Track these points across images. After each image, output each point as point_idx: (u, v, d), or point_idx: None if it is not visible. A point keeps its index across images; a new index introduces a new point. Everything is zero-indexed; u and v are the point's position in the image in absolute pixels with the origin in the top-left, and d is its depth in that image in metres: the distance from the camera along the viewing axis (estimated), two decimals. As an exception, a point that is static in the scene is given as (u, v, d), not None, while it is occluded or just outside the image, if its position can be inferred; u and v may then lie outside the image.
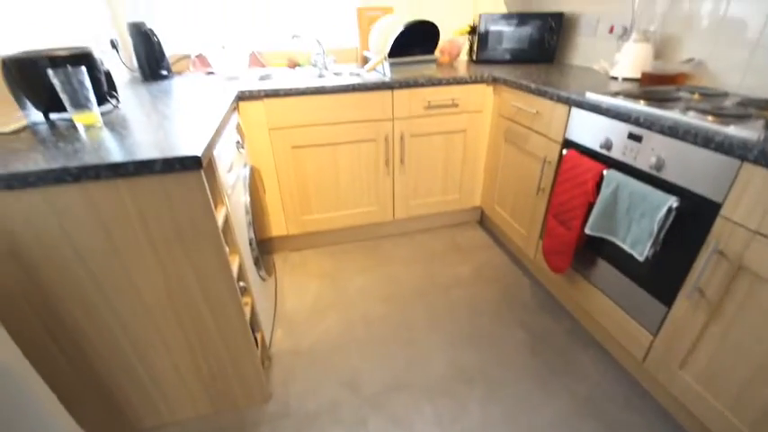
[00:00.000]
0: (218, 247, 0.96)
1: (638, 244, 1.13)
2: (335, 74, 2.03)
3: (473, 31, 2.19)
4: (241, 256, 1.18)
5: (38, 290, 0.89)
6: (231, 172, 1.22)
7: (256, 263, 1.34)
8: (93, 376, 1.05)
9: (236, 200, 1.22)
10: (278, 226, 1.94)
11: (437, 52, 2.13)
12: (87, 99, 1.03)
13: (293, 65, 2.10)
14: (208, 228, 0.93)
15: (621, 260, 1.27)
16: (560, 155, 1.49)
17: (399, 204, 2.08)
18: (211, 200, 0.91)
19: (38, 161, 0.80)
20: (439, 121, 1.90)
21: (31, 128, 1.06)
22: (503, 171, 1.93)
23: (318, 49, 2.05)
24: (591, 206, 1.30)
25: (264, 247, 1.62)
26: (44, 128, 1.05)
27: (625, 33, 1.65)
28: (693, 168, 0.99)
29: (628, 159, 1.19)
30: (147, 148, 0.87)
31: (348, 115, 1.76)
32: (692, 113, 1.03)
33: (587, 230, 1.28)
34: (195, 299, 1.01)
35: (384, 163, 1.93)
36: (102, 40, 1.72)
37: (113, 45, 1.78)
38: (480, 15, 2.09)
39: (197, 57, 1.97)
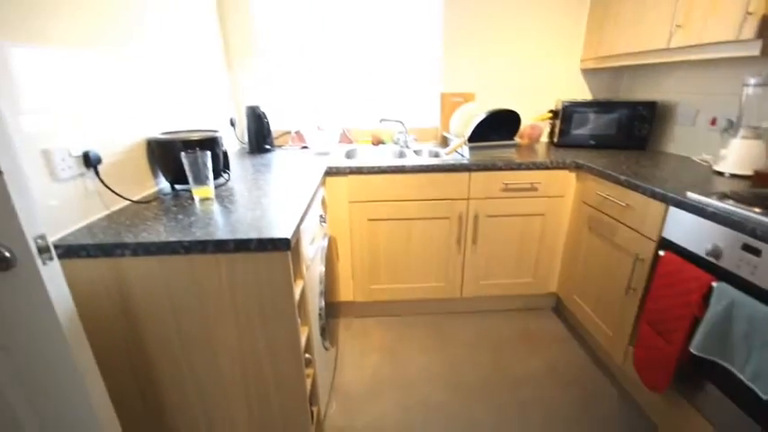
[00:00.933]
0: (292, 323, 1.01)
1: (762, 379, 0.94)
2: (415, 152, 2.14)
3: (555, 114, 2.19)
4: (310, 328, 1.22)
5: (136, 340, 1.00)
6: (312, 244, 1.30)
7: (322, 332, 1.37)
8: (161, 426, 1.12)
9: (313, 270, 1.29)
10: (346, 291, 1.99)
11: (517, 137, 2.16)
12: (206, 177, 1.22)
13: (377, 142, 2.28)
14: (286, 304, 0.98)
15: (739, 390, 1.05)
16: (656, 254, 1.35)
17: (468, 283, 2.01)
18: (293, 277, 0.98)
19: (160, 233, 0.94)
20: (516, 203, 1.87)
21: (159, 196, 1.27)
22: (585, 260, 1.80)
23: (401, 128, 2.21)
24: (696, 320, 1.13)
25: (330, 310, 1.66)
26: (168, 197, 1.25)
27: (731, 127, 1.52)
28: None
29: (743, 273, 1.03)
30: (245, 225, 0.98)
31: (424, 193, 1.82)
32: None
33: (693, 350, 1.10)
34: (264, 371, 1.05)
35: (456, 241, 1.92)
36: (224, 118, 2.05)
37: (231, 123, 2.11)
38: (562, 102, 2.11)
39: (296, 133, 2.24)
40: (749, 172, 1.42)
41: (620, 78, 2.29)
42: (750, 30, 1.25)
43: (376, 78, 2.29)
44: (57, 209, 0.92)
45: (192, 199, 1.23)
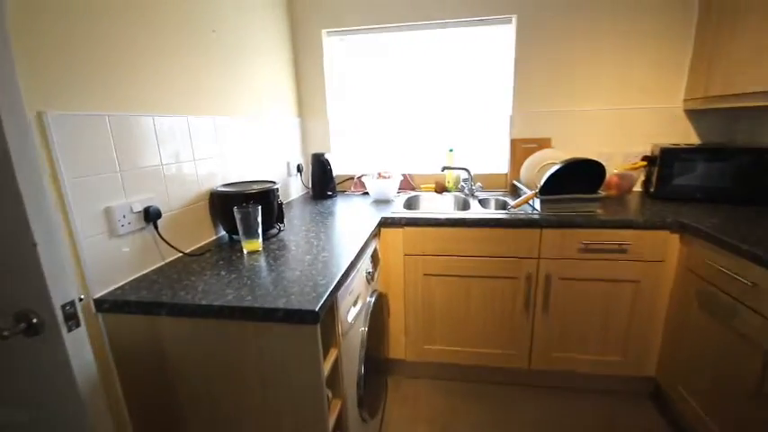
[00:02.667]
0: (318, 402, 0.92)
1: None
2: (480, 201, 1.99)
3: (651, 161, 1.88)
4: (345, 401, 1.11)
5: (170, 395, 0.99)
6: (356, 306, 1.22)
7: (360, 403, 1.25)
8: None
9: (352, 335, 1.20)
10: (397, 349, 1.85)
11: (601, 190, 1.88)
12: (255, 231, 1.23)
13: (441, 189, 2.17)
14: (312, 381, 0.90)
15: None
16: (800, 358, 1.00)
17: (538, 353, 1.74)
18: (320, 351, 0.90)
19: (197, 292, 0.94)
20: (599, 266, 1.59)
21: (212, 248, 1.31)
22: (694, 344, 1.43)
23: (466, 175, 2.08)
24: None
25: (378, 366, 1.55)
26: (220, 249, 1.29)
27: None
28: None
29: None
30: (279, 288, 0.94)
31: (486, 248, 1.64)
32: None
33: None
34: (287, 447, 0.97)
35: (523, 304, 1.68)
36: (293, 165, 2.14)
37: (299, 169, 2.20)
38: (660, 147, 1.80)
39: (358, 179, 2.25)
40: None
41: (737, 121, 1.90)
42: None
43: (442, 122, 2.23)
44: (113, 263, 0.98)
45: (242, 251, 1.24)
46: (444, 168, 2.03)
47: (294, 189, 2.19)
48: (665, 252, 1.53)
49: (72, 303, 0.68)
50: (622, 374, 1.71)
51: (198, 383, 0.97)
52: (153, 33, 1.13)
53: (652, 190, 1.87)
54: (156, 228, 1.11)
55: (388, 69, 2.19)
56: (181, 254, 1.20)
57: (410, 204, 2.07)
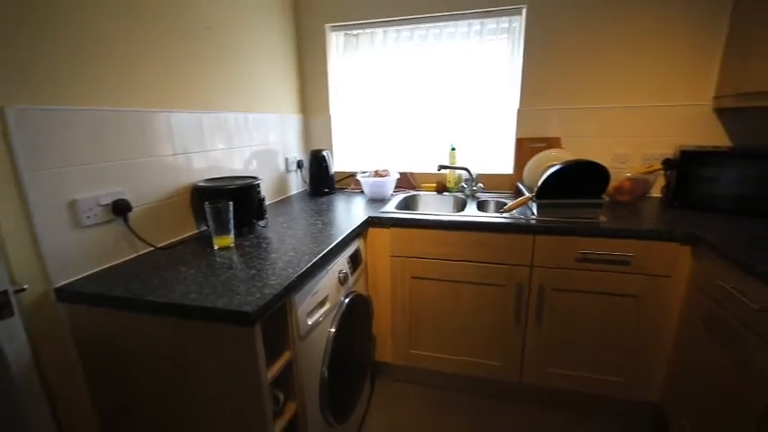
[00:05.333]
0: (258, 402, 0.90)
1: None
2: (480, 202, 1.89)
3: (671, 164, 1.70)
4: (302, 403, 1.09)
5: (123, 382, 1.01)
6: (323, 306, 1.20)
7: (323, 407, 1.22)
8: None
9: (317, 335, 1.17)
10: (383, 352, 1.81)
11: (609, 194, 1.73)
12: (227, 227, 1.23)
13: (441, 189, 2.09)
14: (252, 382, 0.89)
15: None
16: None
17: (530, 367, 1.64)
18: (261, 354, 0.88)
19: (146, 288, 0.95)
20: (597, 278, 1.46)
21: (192, 239, 1.33)
22: (701, 373, 1.28)
23: (467, 175, 1.99)
24: None
25: (362, 369, 1.54)
26: (195, 243, 1.30)
27: None
28: None
29: None
30: (229, 288, 0.93)
31: (476, 253, 1.56)
32: None
33: None
34: (229, 448, 0.96)
35: (514, 314, 1.59)
36: (293, 161, 2.15)
37: (299, 165, 2.20)
38: (681, 150, 1.62)
39: (356, 176, 2.21)
40: None
41: (778, 120, 1.68)
42: None
43: (447, 119, 2.14)
44: (78, 254, 1.01)
45: (214, 247, 1.25)
46: (441, 167, 1.95)
47: (294, 185, 2.19)
48: (672, 266, 1.38)
49: (5, 293, 0.71)
50: (622, 397, 1.57)
51: (148, 380, 0.98)
52: (132, 26, 1.15)
53: (670, 197, 1.70)
54: (125, 221, 1.13)
55: (393, 65, 2.13)
56: (152, 248, 1.22)
57: (407, 204, 2.01)
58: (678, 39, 1.72)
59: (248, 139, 1.74)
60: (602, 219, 1.49)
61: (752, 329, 1.05)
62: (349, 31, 2.18)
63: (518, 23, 1.92)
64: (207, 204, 1.20)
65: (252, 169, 1.77)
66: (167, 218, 1.31)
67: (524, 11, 1.87)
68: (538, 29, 1.86)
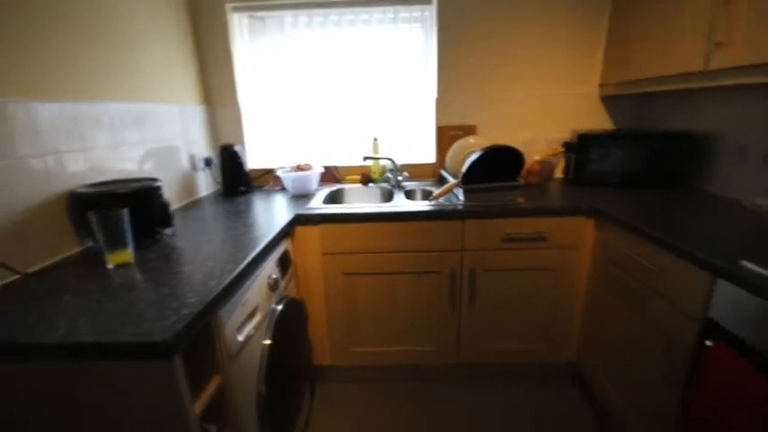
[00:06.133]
0: (184, 447, 0.75)
1: None
2: (406, 192, 1.89)
3: (569, 147, 1.89)
4: (238, 428, 0.96)
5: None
6: (253, 318, 1.06)
7: (263, 426, 1.10)
8: None
9: (250, 351, 1.04)
10: (321, 355, 1.72)
11: (523, 176, 1.86)
12: (122, 240, 1.02)
13: (366, 180, 2.05)
14: (178, 422, 0.74)
15: None
16: (700, 342, 1.01)
17: (467, 347, 1.70)
18: (186, 389, 0.73)
19: (14, 329, 0.73)
20: (520, 255, 1.56)
21: (76, 259, 1.08)
22: (609, 332, 1.45)
23: (392, 165, 1.97)
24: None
25: (301, 375, 1.42)
26: (80, 263, 1.06)
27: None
28: None
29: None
30: (135, 314, 0.75)
31: (408, 243, 1.55)
32: None
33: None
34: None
35: (448, 298, 1.62)
36: (200, 158, 1.89)
37: (207, 163, 1.95)
38: (578, 133, 1.81)
39: (275, 173, 2.05)
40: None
41: (648, 106, 1.97)
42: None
43: (366, 111, 2.09)
44: None
45: (107, 266, 1.03)
46: (366, 158, 1.90)
47: (203, 185, 1.94)
48: (580, 238, 1.54)
49: None
50: (547, 361, 1.72)
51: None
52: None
53: (571, 176, 1.89)
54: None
55: (306, 52, 2.00)
56: (19, 274, 0.96)
57: (333, 198, 1.93)
58: (569, 33, 1.90)
59: (140, 134, 1.48)
60: (521, 200, 1.59)
61: (652, 288, 1.21)
62: (253, 13, 1.98)
63: (429, 12, 1.94)
64: (92, 214, 0.98)
65: (148, 170, 1.51)
66: (37, 235, 1.04)
67: (435, 0, 1.89)
68: (448, 18, 1.90)
